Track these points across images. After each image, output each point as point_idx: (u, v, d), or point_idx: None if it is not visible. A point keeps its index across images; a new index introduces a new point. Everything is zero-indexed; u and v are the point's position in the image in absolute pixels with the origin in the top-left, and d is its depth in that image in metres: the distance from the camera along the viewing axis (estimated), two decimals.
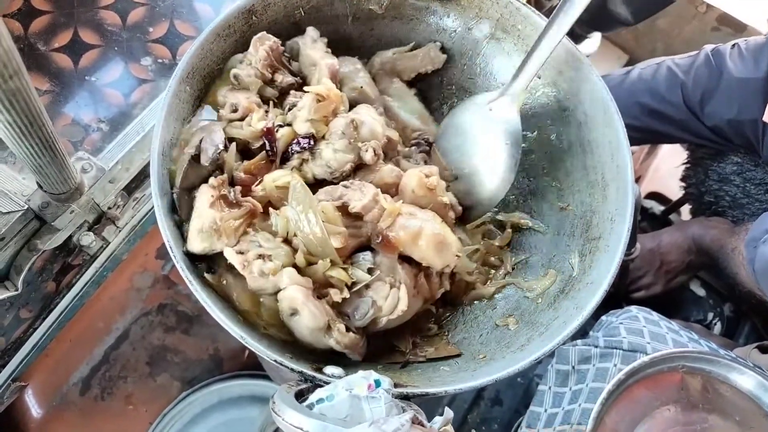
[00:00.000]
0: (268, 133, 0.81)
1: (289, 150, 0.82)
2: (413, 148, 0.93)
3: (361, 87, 0.90)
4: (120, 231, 1.05)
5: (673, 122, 1.38)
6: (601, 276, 0.75)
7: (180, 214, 0.75)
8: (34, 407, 1.24)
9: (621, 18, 1.53)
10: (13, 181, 0.93)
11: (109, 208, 1.00)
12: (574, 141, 0.88)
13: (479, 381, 0.67)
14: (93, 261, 1.05)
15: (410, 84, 0.99)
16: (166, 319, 1.37)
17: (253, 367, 1.36)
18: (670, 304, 1.60)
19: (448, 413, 0.60)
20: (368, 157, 0.81)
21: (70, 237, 0.97)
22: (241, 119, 0.83)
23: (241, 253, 0.72)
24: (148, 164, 1.02)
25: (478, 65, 0.94)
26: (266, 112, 0.84)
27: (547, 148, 0.93)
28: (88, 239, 0.99)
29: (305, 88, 0.83)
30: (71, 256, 1.02)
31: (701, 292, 1.62)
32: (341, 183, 0.79)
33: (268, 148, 0.81)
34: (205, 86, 0.83)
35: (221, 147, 0.77)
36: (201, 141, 0.77)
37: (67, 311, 1.07)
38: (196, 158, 0.77)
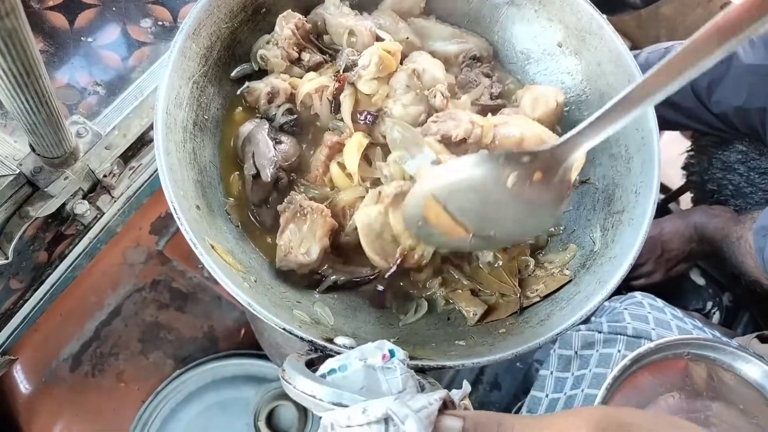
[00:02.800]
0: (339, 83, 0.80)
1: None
2: (465, 69, 0.91)
3: (407, 38, 0.88)
4: (115, 201, 1.01)
5: (680, 109, 1.36)
6: (625, 250, 0.72)
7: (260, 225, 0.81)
8: (22, 383, 1.20)
9: (629, 1, 1.51)
10: (5, 144, 0.89)
11: (105, 176, 0.96)
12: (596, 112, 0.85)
13: (497, 355, 0.65)
14: (87, 231, 1.01)
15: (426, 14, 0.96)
16: (160, 295, 1.33)
17: (249, 346, 1.32)
18: (670, 292, 1.58)
19: (466, 387, 0.57)
20: (438, 102, 0.80)
21: (64, 205, 0.93)
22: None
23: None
24: (145, 131, 0.98)
25: (496, 32, 0.91)
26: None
27: (567, 121, 0.90)
28: (82, 208, 0.95)
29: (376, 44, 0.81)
30: (64, 225, 0.98)
31: (701, 281, 1.61)
32: (429, 120, 0.78)
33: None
34: (211, 44, 0.80)
35: (276, 159, 0.79)
36: (253, 158, 0.78)
37: (59, 283, 1.03)
38: (256, 177, 0.79)
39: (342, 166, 0.79)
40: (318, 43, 0.88)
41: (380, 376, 0.56)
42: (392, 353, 0.58)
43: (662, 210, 1.80)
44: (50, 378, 1.23)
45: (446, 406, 0.52)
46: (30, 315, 1.02)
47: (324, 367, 0.57)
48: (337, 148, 0.80)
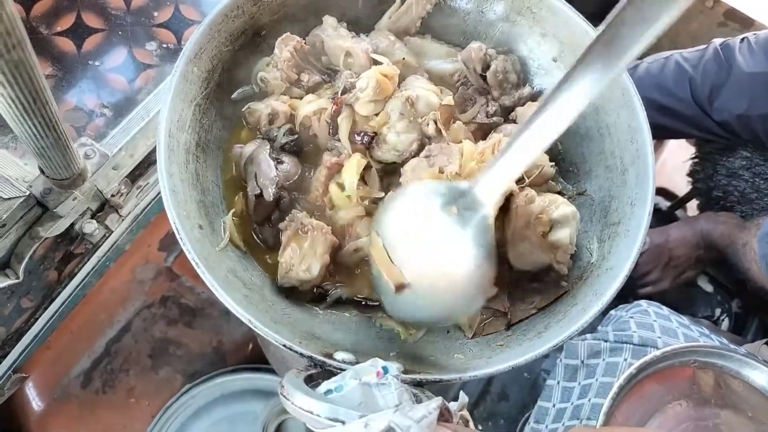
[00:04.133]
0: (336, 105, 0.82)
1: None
2: (462, 88, 0.92)
3: (404, 58, 0.89)
4: (123, 220, 1.03)
5: (682, 118, 1.36)
6: (621, 261, 0.73)
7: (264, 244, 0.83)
8: (34, 400, 1.22)
9: None
10: (15, 167, 0.91)
11: (113, 195, 0.99)
12: (592, 125, 0.86)
13: (495, 368, 0.66)
14: (95, 250, 1.03)
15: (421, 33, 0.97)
16: (169, 311, 1.35)
17: (256, 361, 1.34)
18: (678, 300, 1.58)
19: (463, 397, 0.58)
20: (431, 130, 0.81)
21: (73, 225, 0.95)
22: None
23: None
24: (152, 151, 1.00)
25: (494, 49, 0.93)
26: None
27: (563, 133, 0.91)
28: (90, 227, 0.97)
29: (374, 68, 0.82)
30: (73, 244, 1.00)
31: (709, 288, 1.60)
32: (424, 153, 0.79)
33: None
34: (213, 68, 0.82)
35: (277, 179, 0.80)
36: (256, 178, 0.80)
37: (69, 301, 1.05)
38: (259, 196, 0.81)
39: (341, 186, 0.80)
40: (317, 64, 0.89)
41: (376, 392, 0.57)
42: (386, 370, 0.59)
43: (669, 217, 1.79)
44: (62, 395, 1.25)
45: (442, 414, 0.53)
46: (41, 333, 1.04)
47: (321, 388, 0.59)
48: (336, 169, 0.81)
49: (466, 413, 0.57)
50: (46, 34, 1.03)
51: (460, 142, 0.80)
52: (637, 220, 0.75)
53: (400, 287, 0.66)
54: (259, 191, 0.80)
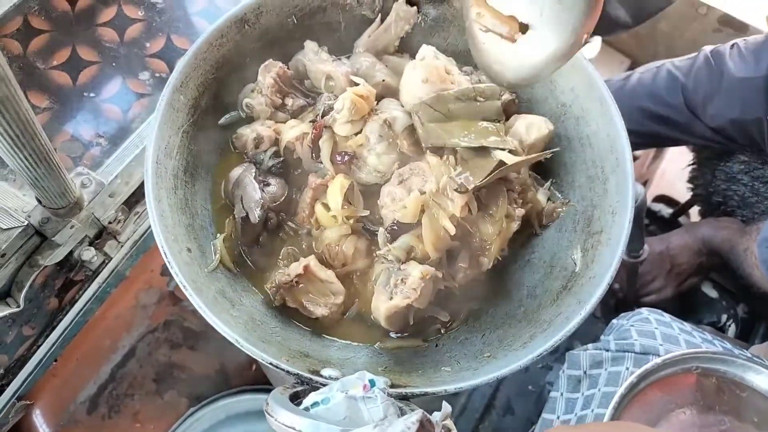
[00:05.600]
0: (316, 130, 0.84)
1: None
2: None
3: (383, 80, 0.91)
4: (122, 246, 1.05)
5: (676, 125, 1.36)
6: (604, 269, 0.73)
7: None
8: (41, 427, 1.23)
9: (620, 20, 1.52)
10: (14, 198, 0.94)
11: (110, 222, 1.01)
12: (573, 136, 0.87)
13: (480, 379, 0.66)
14: (95, 276, 1.05)
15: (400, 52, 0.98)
16: (173, 335, 1.36)
17: (260, 382, 1.34)
18: (682, 307, 1.56)
19: (446, 407, 0.58)
20: (405, 147, 0.82)
21: (71, 252, 0.97)
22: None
23: None
24: None
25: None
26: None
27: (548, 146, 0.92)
28: (89, 254, 0.99)
29: (348, 89, 0.84)
30: (73, 271, 1.02)
31: (713, 293, 1.58)
32: (397, 180, 0.80)
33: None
34: (199, 95, 0.84)
35: (263, 201, 0.82)
36: (242, 201, 0.82)
37: (71, 328, 1.07)
38: (245, 219, 0.83)
39: (326, 207, 0.82)
40: (301, 87, 0.92)
41: (362, 405, 0.58)
42: (372, 383, 0.60)
43: (672, 224, 1.78)
44: (68, 422, 1.26)
45: (423, 426, 0.53)
46: (44, 360, 1.05)
47: (308, 401, 0.60)
48: (321, 190, 0.83)
49: (449, 423, 0.57)
50: (43, 68, 1.06)
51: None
52: (618, 228, 0.76)
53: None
54: (245, 214, 0.82)
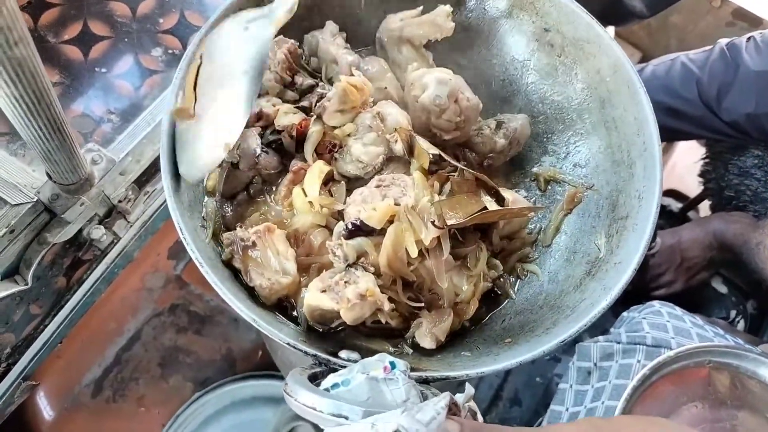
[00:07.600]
0: (300, 127, 0.82)
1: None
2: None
3: (386, 87, 0.89)
4: (131, 226, 1.03)
5: (690, 119, 1.35)
6: (630, 255, 0.72)
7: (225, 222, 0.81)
8: (45, 409, 1.22)
9: (636, 11, 1.51)
10: (23, 174, 0.92)
11: (120, 201, 0.99)
12: (598, 120, 0.86)
13: (502, 364, 0.65)
14: (104, 256, 1.03)
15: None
16: (178, 319, 1.35)
17: (266, 368, 1.33)
18: (692, 301, 1.55)
19: (469, 389, 0.57)
20: (398, 147, 0.80)
21: (81, 230, 0.96)
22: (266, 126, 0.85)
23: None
24: (158, 157, 1.00)
25: (495, 46, 0.92)
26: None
27: (570, 129, 0.91)
28: (98, 233, 0.97)
29: (340, 77, 0.82)
30: (82, 250, 1.00)
31: (723, 289, 1.58)
32: (375, 183, 0.77)
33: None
34: None
35: (258, 152, 0.80)
36: (238, 147, 0.80)
37: (78, 308, 1.06)
38: (235, 165, 0.81)
39: (305, 192, 0.79)
40: (307, 67, 0.90)
41: (384, 387, 0.57)
42: (393, 365, 0.58)
43: (681, 219, 1.77)
44: (73, 404, 1.25)
45: (449, 408, 0.52)
46: (51, 340, 1.04)
47: (327, 382, 0.58)
48: (302, 175, 0.80)
49: (473, 404, 0.56)
50: (54, 42, 1.04)
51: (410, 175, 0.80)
52: (645, 213, 0.74)
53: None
54: (237, 160, 0.80)
